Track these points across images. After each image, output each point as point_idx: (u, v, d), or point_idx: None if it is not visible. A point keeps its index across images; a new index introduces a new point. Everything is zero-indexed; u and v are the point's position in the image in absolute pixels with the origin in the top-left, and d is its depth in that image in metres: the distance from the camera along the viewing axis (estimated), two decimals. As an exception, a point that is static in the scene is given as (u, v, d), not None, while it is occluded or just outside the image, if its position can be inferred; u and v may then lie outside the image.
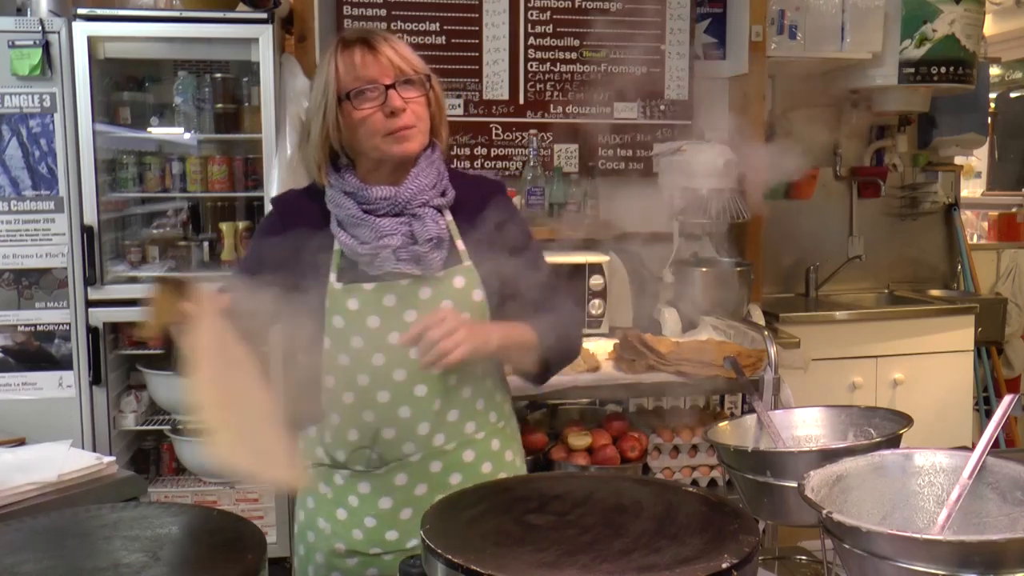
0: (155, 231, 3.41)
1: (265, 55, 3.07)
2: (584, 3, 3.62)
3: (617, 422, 2.80)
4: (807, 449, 1.49)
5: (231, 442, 1.23)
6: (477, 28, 3.59)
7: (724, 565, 1.00)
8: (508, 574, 1.00)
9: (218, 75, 3.34)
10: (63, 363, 3.05)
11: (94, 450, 2.83)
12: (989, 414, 3.21)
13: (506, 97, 3.63)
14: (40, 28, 2.94)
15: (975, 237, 5.33)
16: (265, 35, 3.07)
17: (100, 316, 3.05)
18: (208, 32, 3.07)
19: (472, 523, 1.17)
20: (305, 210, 1.65)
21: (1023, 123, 5.39)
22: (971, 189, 5.50)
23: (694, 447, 2.77)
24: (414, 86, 1.57)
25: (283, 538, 3.13)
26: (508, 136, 3.65)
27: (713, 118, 3.65)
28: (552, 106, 3.65)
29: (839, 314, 3.92)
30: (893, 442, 1.40)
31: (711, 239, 3.31)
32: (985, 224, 5.43)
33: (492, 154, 3.65)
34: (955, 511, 1.14)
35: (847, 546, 1.04)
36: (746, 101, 3.64)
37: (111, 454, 2.30)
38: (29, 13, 3.04)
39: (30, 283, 3.02)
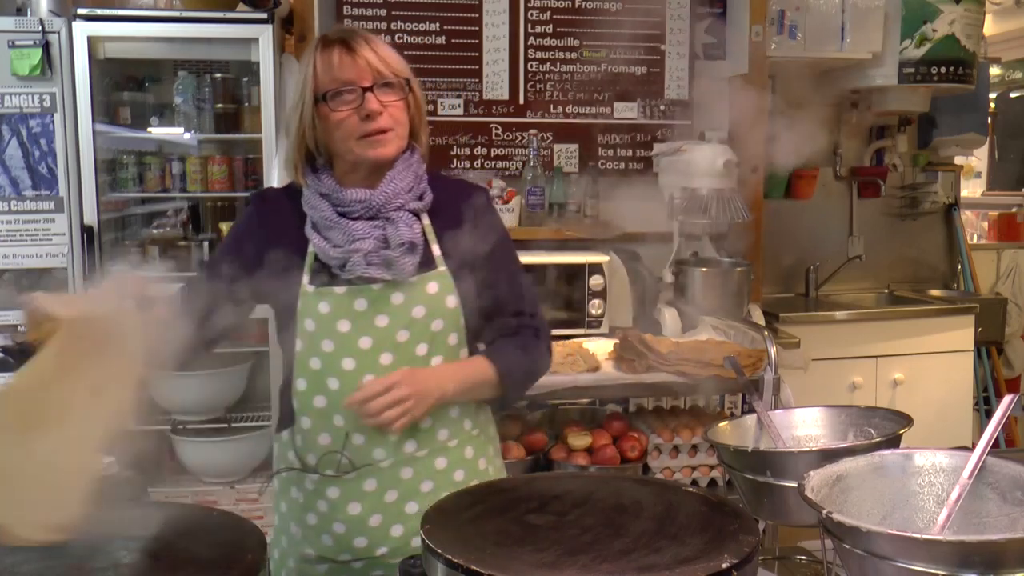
0: (155, 231, 3.41)
1: (265, 55, 3.07)
2: (584, 3, 3.62)
3: (617, 422, 2.79)
4: (807, 449, 1.49)
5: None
6: (477, 28, 3.59)
7: (724, 565, 1.00)
8: (508, 574, 1.00)
9: (218, 75, 3.34)
10: (63, 363, 3.05)
11: (94, 450, 2.82)
12: (989, 414, 3.20)
13: (506, 97, 3.63)
14: (40, 28, 2.95)
15: (975, 237, 5.33)
16: (265, 35, 3.07)
17: (100, 316, 3.04)
18: (208, 32, 3.07)
19: (472, 523, 1.17)
20: (283, 210, 1.64)
21: (1023, 123, 5.39)
22: (971, 189, 5.50)
23: (694, 447, 2.77)
24: (393, 89, 1.55)
25: (283, 538, 3.12)
26: (508, 136, 3.65)
27: (713, 118, 3.65)
28: (552, 106, 3.66)
29: (839, 314, 3.92)
30: (893, 442, 1.40)
31: (711, 239, 3.31)
32: (985, 224, 5.43)
33: (492, 154, 3.65)
34: (955, 511, 1.14)
35: (847, 546, 1.04)
36: (746, 101, 3.64)
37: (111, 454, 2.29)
38: (29, 13, 3.04)
39: (30, 283, 3.02)
